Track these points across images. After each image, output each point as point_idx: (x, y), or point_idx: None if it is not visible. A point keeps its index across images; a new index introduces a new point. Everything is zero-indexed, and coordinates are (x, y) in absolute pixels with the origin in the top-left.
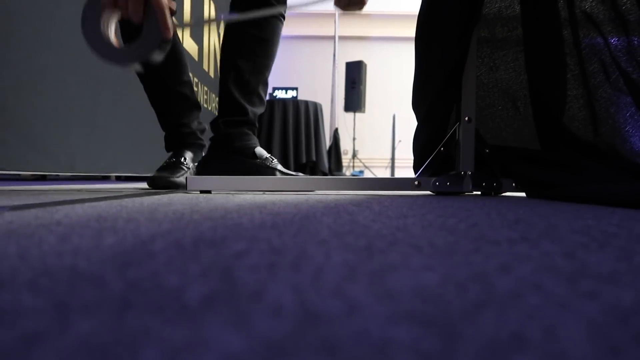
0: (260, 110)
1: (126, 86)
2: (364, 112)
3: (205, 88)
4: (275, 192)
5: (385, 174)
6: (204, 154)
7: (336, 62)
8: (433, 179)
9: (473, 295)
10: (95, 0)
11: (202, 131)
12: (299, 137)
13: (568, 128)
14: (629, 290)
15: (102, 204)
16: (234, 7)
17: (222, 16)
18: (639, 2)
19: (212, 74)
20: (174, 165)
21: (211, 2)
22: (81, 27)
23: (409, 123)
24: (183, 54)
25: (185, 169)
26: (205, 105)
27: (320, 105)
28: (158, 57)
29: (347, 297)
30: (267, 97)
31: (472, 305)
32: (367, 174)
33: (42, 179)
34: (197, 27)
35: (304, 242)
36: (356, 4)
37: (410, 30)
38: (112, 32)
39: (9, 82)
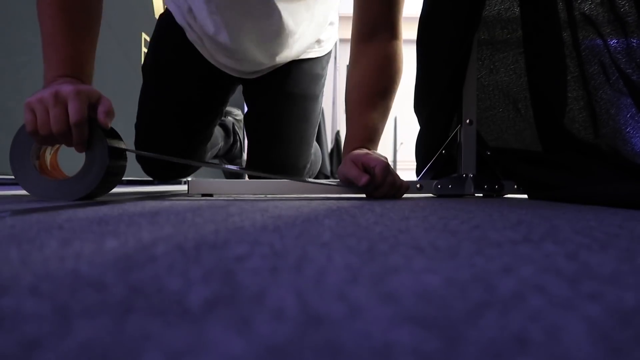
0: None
1: (127, 90)
2: None
3: None
4: (277, 195)
5: None
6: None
7: (337, 64)
8: (435, 182)
9: (475, 297)
10: (23, 137)
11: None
12: None
13: (569, 130)
14: (631, 291)
15: (104, 207)
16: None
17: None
18: (637, 4)
19: None
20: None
21: None
22: (10, 164)
23: (410, 126)
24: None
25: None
26: None
27: (322, 108)
28: (111, 184)
29: (349, 300)
30: None
31: (474, 307)
32: None
33: None
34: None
35: (306, 244)
36: (393, 195)
37: (412, 33)
38: (49, 164)
39: (10, 86)
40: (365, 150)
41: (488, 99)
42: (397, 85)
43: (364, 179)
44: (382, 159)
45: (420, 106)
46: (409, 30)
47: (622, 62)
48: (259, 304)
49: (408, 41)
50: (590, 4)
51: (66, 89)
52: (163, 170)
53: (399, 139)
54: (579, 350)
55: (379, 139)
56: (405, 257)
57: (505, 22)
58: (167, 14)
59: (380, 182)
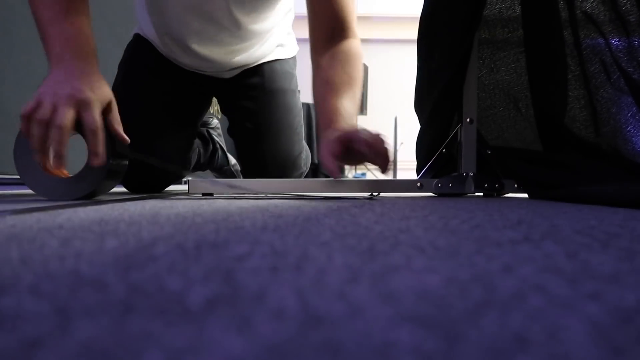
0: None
1: None
2: (365, 114)
3: None
4: (277, 195)
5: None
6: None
7: None
8: (435, 181)
9: (475, 297)
10: (24, 141)
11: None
12: None
13: (570, 129)
14: (632, 291)
15: (104, 207)
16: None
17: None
18: (639, 3)
19: None
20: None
21: None
22: (14, 162)
23: (410, 125)
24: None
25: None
26: None
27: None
28: (111, 183)
29: (349, 300)
30: None
31: (474, 307)
32: (369, 176)
33: None
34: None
35: (306, 244)
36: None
37: (412, 33)
38: (52, 163)
39: (11, 86)
40: (332, 129)
41: (489, 97)
42: (361, 79)
43: (333, 171)
44: (353, 127)
45: (421, 105)
46: (409, 30)
47: (623, 61)
48: (259, 303)
49: (408, 41)
50: (591, 3)
51: (80, 95)
52: (145, 184)
53: (399, 139)
54: (579, 350)
55: (356, 124)
56: (405, 257)
57: (506, 21)
58: (135, 37)
59: (365, 144)
